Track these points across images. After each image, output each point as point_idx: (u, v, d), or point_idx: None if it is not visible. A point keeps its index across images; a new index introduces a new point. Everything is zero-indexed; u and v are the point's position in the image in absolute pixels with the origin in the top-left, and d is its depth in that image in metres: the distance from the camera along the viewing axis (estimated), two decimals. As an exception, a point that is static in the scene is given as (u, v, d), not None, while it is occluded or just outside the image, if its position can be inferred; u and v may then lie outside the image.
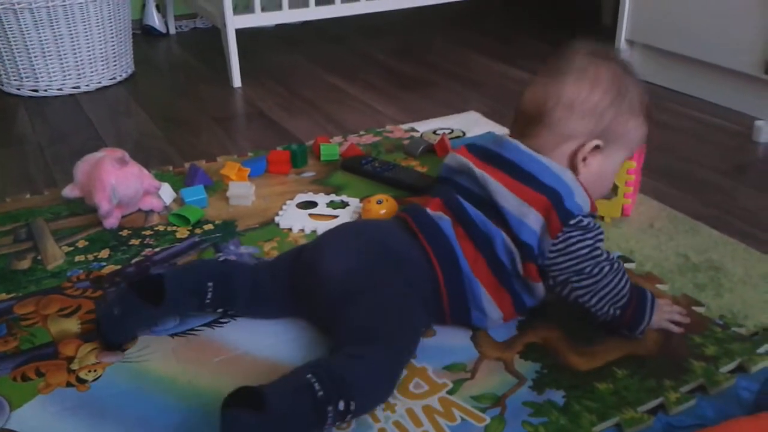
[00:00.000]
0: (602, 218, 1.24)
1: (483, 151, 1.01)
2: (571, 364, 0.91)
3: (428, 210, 0.99)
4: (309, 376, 0.77)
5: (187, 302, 0.97)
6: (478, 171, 0.97)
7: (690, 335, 0.96)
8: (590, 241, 0.92)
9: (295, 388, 0.77)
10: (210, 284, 0.96)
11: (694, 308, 1.01)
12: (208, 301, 0.97)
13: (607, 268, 0.92)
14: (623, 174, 1.19)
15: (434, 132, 1.65)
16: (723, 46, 1.72)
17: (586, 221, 0.92)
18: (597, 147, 0.97)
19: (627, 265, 1.11)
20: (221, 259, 1.05)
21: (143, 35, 2.54)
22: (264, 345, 0.95)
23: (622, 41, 1.96)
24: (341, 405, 0.77)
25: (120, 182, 1.21)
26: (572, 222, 0.91)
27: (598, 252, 0.92)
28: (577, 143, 0.97)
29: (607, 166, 0.99)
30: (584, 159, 0.97)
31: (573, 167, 0.97)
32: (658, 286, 1.07)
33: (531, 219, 0.92)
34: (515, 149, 0.97)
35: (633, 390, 0.86)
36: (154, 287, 0.94)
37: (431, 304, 0.94)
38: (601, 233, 0.93)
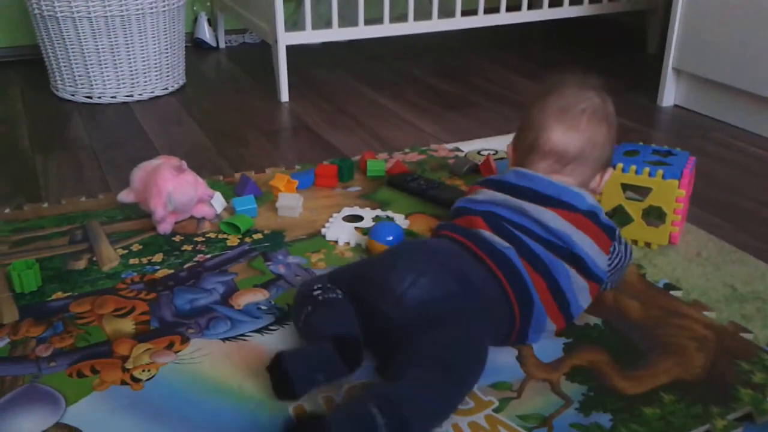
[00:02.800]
0: (649, 245, 1.24)
1: (509, 186, 1.07)
2: (617, 387, 0.91)
3: (485, 233, 1.01)
4: (374, 410, 0.77)
5: None
6: (529, 205, 1.03)
7: (738, 361, 0.96)
8: (623, 247, 1.08)
9: (359, 422, 0.76)
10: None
11: (741, 335, 1.02)
12: None
13: (627, 253, 1.09)
14: (672, 201, 1.20)
15: (479, 152, 1.67)
16: (772, 79, 1.72)
17: (617, 231, 1.07)
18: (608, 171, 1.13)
19: (673, 293, 1.12)
20: (338, 291, 0.97)
21: (194, 48, 2.60)
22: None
23: (668, 69, 1.97)
24: None
25: (176, 189, 1.24)
26: (615, 236, 1.06)
27: (629, 247, 1.10)
28: (600, 174, 1.12)
29: (604, 184, 1.15)
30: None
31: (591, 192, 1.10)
32: (705, 313, 1.07)
33: (585, 243, 1.01)
34: (548, 184, 1.05)
35: (680, 415, 0.86)
36: (357, 354, 0.89)
37: (501, 334, 0.97)
38: (621, 236, 1.08)
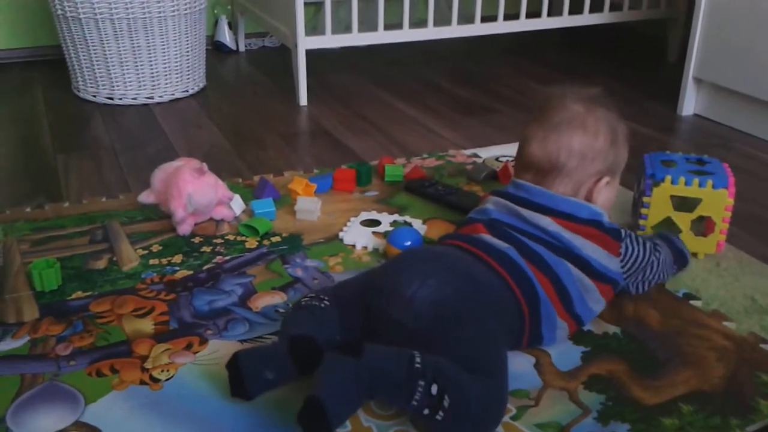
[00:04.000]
0: (695, 255, 1.24)
1: (508, 196, 1.09)
2: (636, 397, 0.91)
3: (486, 237, 1.02)
4: (414, 352, 0.81)
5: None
6: (526, 211, 1.05)
7: (757, 373, 0.95)
8: (636, 242, 1.07)
9: (396, 352, 0.82)
10: (338, 337, 0.93)
11: (761, 346, 1.01)
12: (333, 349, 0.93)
13: (658, 248, 1.09)
14: (722, 211, 1.20)
15: (497, 159, 1.67)
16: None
17: (624, 231, 1.07)
18: (607, 182, 1.11)
19: (693, 303, 1.11)
20: (327, 300, 0.95)
21: (214, 51, 2.62)
22: (330, 357, 0.97)
23: (689, 79, 1.96)
24: (434, 389, 0.78)
25: (196, 191, 1.25)
26: (622, 236, 1.05)
27: (648, 244, 1.08)
28: (591, 183, 1.10)
29: (612, 194, 1.14)
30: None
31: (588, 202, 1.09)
32: (725, 323, 1.06)
33: (588, 248, 1.01)
34: (542, 194, 1.07)
35: (698, 427, 0.86)
36: (313, 354, 0.86)
37: (514, 334, 0.97)
38: (630, 233, 1.07)
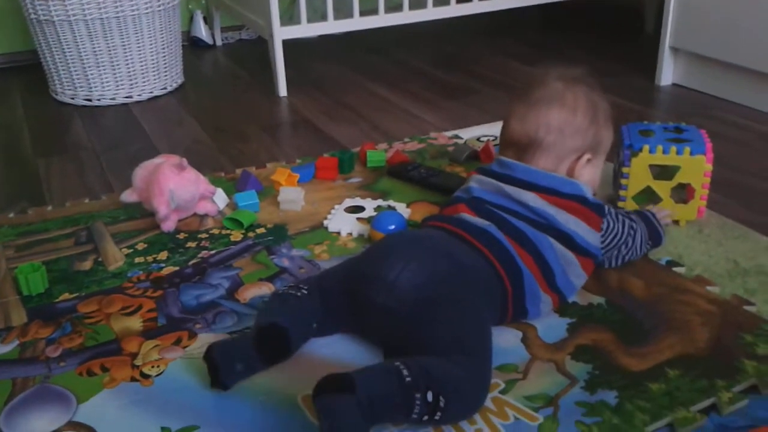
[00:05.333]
0: (677, 222, 1.25)
1: (492, 173, 1.10)
2: (622, 364, 0.92)
3: (466, 216, 1.03)
4: (398, 364, 0.80)
5: (300, 347, 0.95)
6: (509, 188, 1.06)
7: (741, 334, 0.97)
8: (615, 219, 1.07)
9: (383, 372, 0.80)
10: (315, 325, 0.95)
11: (745, 308, 1.02)
12: (310, 337, 0.97)
13: (635, 227, 1.09)
14: (700, 176, 1.21)
15: (478, 139, 1.67)
16: (769, 53, 1.71)
17: (607, 208, 1.08)
18: (588, 159, 1.11)
19: (676, 269, 1.12)
20: (305, 288, 0.96)
21: (191, 46, 2.60)
22: (319, 344, 0.97)
23: (666, 48, 1.96)
24: (429, 396, 0.78)
25: (178, 187, 1.25)
26: (605, 212, 1.06)
27: (627, 222, 1.08)
28: (572, 160, 1.11)
29: (596, 172, 1.15)
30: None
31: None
32: (708, 288, 1.07)
33: (571, 222, 1.02)
34: (525, 170, 1.08)
35: (685, 390, 0.87)
36: (280, 346, 0.91)
37: (498, 310, 0.97)
38: (611, 209, 1.08)
